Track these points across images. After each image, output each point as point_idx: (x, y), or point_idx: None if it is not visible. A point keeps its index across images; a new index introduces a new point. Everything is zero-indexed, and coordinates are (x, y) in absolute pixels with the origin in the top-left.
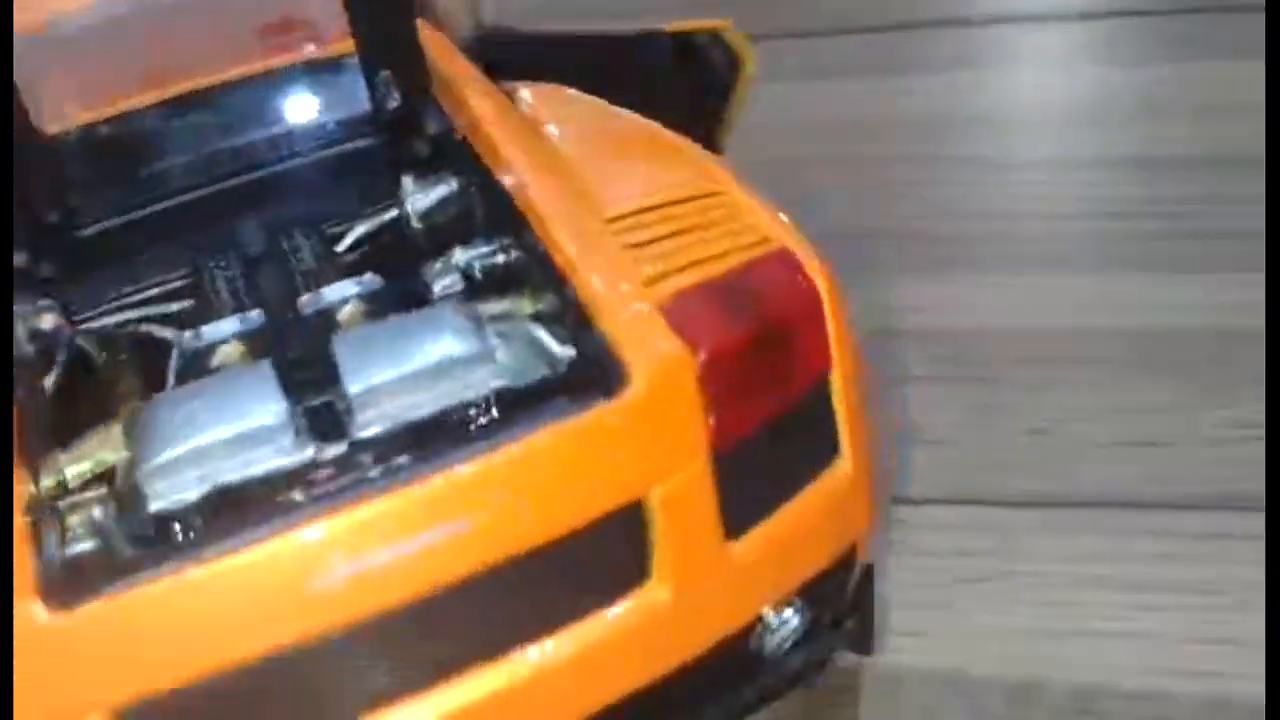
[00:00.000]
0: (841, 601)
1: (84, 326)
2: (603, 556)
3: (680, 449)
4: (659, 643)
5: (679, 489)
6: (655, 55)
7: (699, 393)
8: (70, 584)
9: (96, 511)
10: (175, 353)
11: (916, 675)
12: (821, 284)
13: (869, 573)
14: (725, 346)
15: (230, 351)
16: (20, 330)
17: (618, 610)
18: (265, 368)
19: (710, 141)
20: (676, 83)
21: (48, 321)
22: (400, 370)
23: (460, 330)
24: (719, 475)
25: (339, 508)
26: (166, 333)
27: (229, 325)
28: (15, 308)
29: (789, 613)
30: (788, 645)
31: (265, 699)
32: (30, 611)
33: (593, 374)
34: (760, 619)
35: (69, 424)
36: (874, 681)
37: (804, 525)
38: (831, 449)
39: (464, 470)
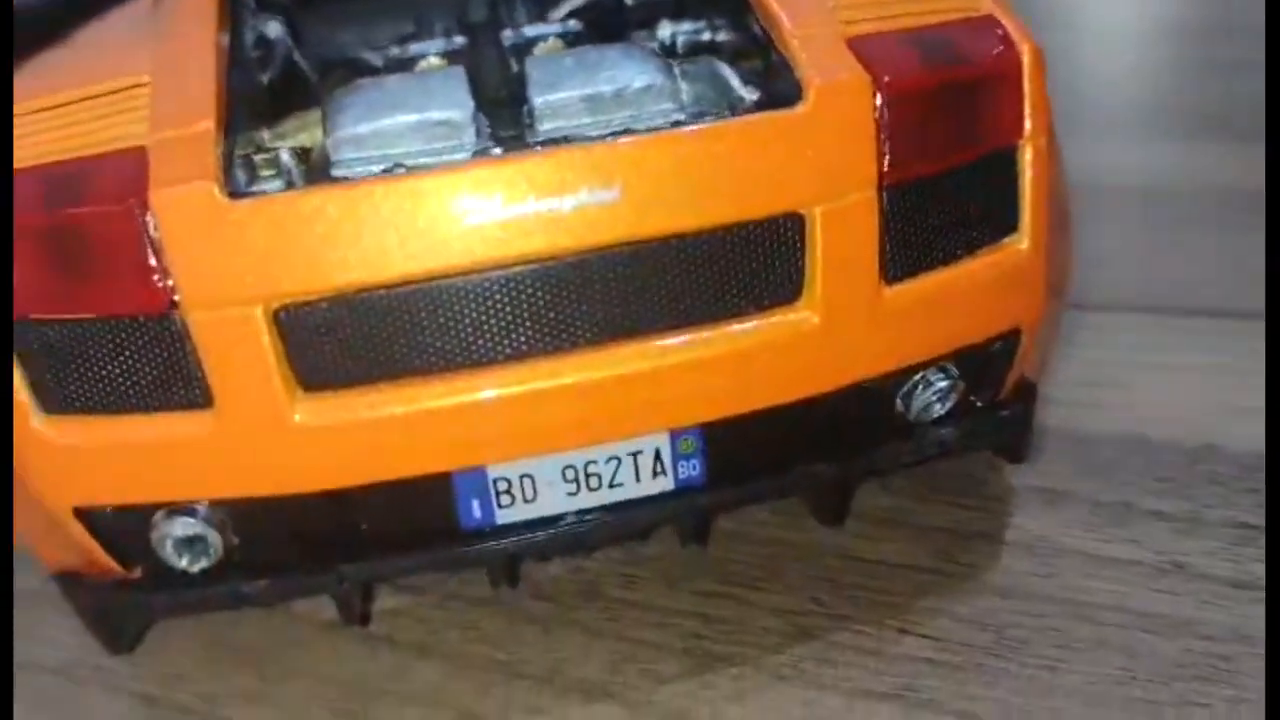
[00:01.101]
0: (998, 385)
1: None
2: (757, 266)
3: (847, 173)
4: (801, 366)
5: (841, 213)
6: None
7: (874, 122)
8: (249, 186)
9: (285, 156)
10: (381, 66)
11: (1097, 437)
12: (1026, 56)
13: (1032, 389)
14: (909, 83)
15: (431, 63)
16: (249, 36)
17: (764, 323)
18: (458, 71)
19: None
20: None
21: (273, 30)
22: (584, 91)
23: (647, 62)
24: (885, 213)
25: (500, 159)
26: (377, 59)
27: (434, 45)
28: (249, 21)
29: (938, 376)
30: (936, 412)
31: (410, 326)
32: (211, 191)
33: (768, 89)
34: (908, 375)
35: (276, 115)
36: (1056, 440)
37: (967, 291)
38: (1010, 223)
39: (620, 141)
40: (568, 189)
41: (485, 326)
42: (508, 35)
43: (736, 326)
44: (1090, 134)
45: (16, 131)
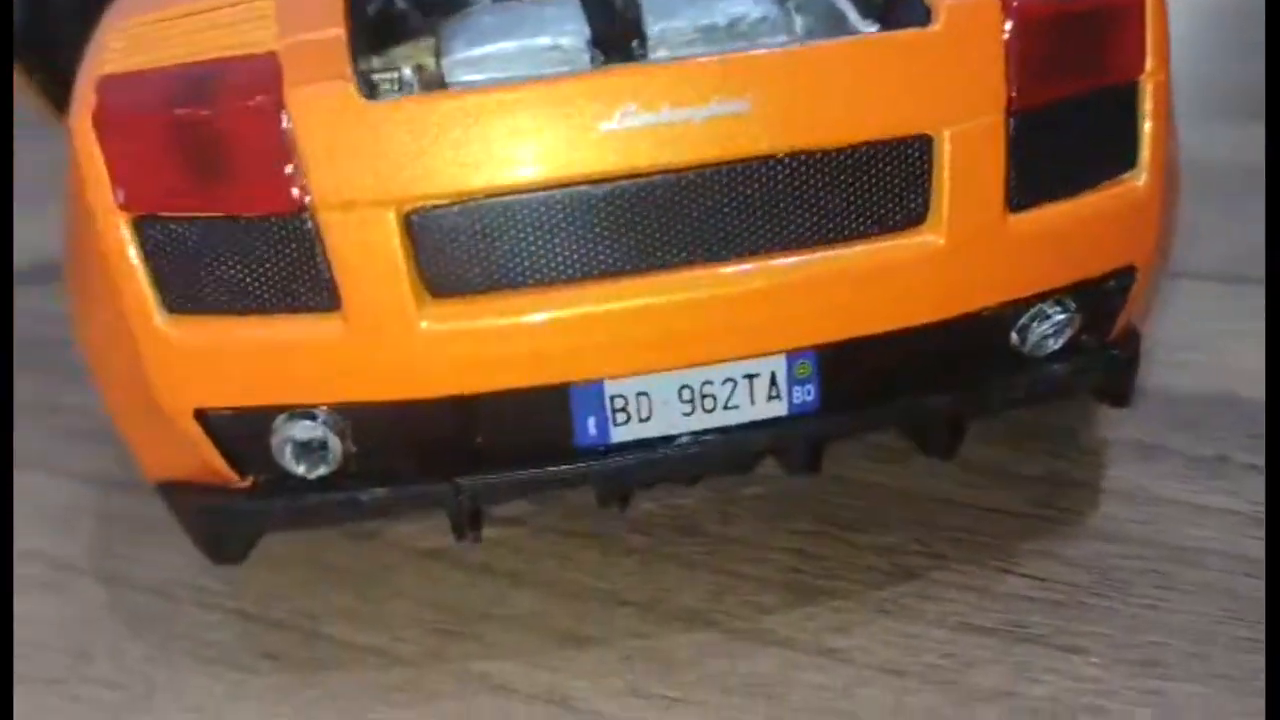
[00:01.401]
0: (1110, 324)
1: None
2: (884, 188)
3: (976, 95)
4: (924, 291)
5: (970, 136)
6: None
7: (1004, 46)
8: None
9: (406, 72)
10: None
11: (1186, 395)
12: None
13: (1137, 335)
14: (1037, 9)
15: None
16: None
17: (889, 245)
18: (573, 1)
19: None
20: None
21: None
22: (699, 21)
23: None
24: (1012, 139)
25: (635, 67)
26: None
27: None
28: None
29: (1056, 309)
30: (1050, 348)
31: (538, 233)
32: (348, 90)
33: (889, 21)
34: (1027, 306)
35: (382, 47)
36: (1145, 398)
37: (1087, 224)
38: (1130, 158)
39: (749, 55)
40: (699, 99)
41: (612, 237)
42: None
43: (861, 248)
44: None
45: (136, 41)
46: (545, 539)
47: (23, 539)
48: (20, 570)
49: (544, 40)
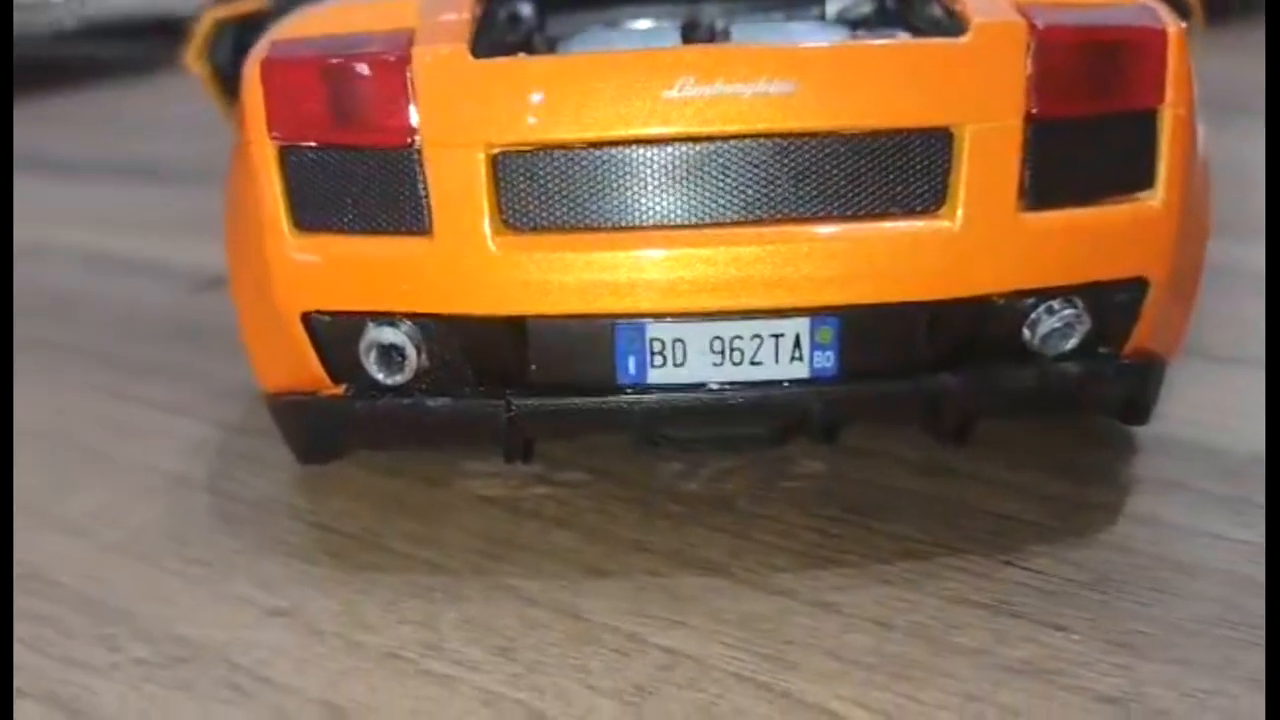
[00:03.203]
0: (1123, 336)
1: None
2: (908, 172)
3: (996, 101)
4: (938, 269)
5: (988, 136)
6: None
7: (1025, 62)
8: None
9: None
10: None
11: (1228, 450)
12: (1171, 35)
13: (1162, 362)
14: (1058, 34)
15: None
16: (502, 13)
17: (908, 224)
18: (672, 27)
19: None
20: None
21: (524, 10)
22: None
23: (835, 29)
24: (1028, 144)
25: (693, 49)
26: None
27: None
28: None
29: (1064, 305)
30: (1061, 346)
31: (598, 182)
32: (462, 50)
33: (940, 27)
34: (1037, 300)
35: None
36: (1185, 448)
37: (1099, 230)
38: (1147, 179)
39: (800, 45)
40: (750, 77)
41: (663, 191)
42: (715, 13)
43: (884, 224)
44: None
45: (304, 23)
46: (595, 499)
47: (150, 458)
48: (140, 480)
49: (644, 44)
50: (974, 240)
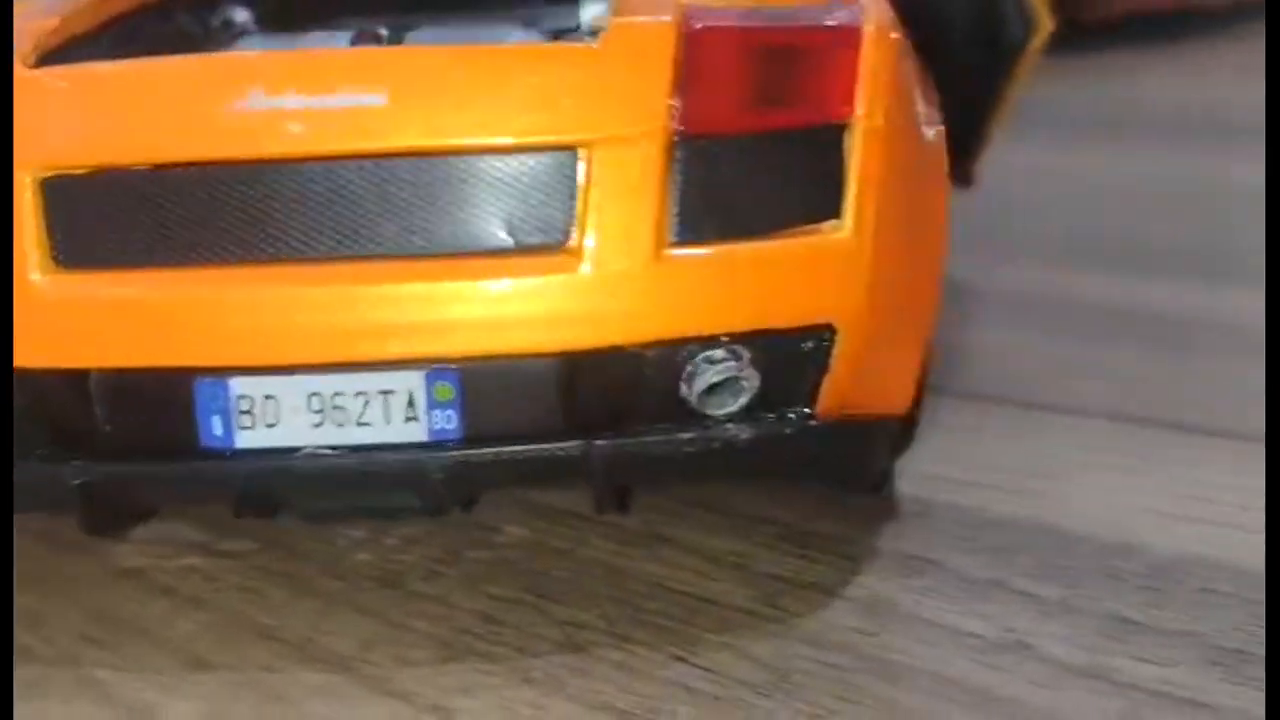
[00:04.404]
0: (810, 393)
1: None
2: (525, 200)
3: (633, 118)
4: (563, 315)
5: (623, 158)
6: None
7: (672, 67)
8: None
9: None
10: None
11: (1009, 521)
12: (866, 36)
13: (885, 423)
14: (714, 37)
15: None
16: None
17: (527, 261)
18: (341, 34)
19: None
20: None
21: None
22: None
23: (513, 31)
24: (677, 166)
25: (269, 52)
26: None
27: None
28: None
29: (725, 357)
30: (729, 406)
31: (162, 212)
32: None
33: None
34: (690, 349)
35: None
36: (961, 518)
37: (766, 269)
38: (830, 207)
39: (390, 49)
40: (331, 88)
41: (237, 224)
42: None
43: (498, 261)
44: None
45: None
46: (246, 574)
47: None
48: None
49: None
50: (605, 282)
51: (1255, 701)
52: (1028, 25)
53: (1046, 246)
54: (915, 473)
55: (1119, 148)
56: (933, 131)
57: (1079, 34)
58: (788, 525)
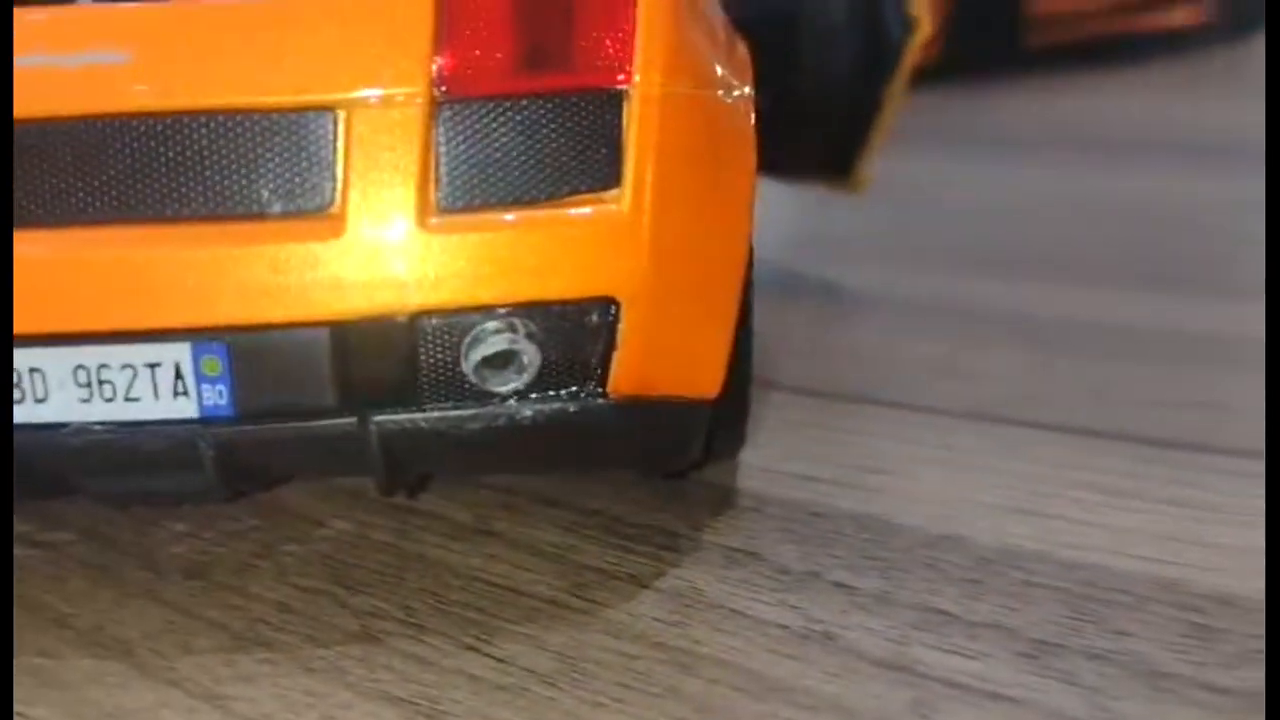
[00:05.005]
0: (599, 370)
1: None
2: (283, 162)
3: (392, 72)
4: (324, 283)
5: (381, 117)
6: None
7: (433, 27)
8: None
9: None
10: None
11: (838, 514)
12: None
13: (686, 406)
14: None
15: None
16: None
17: (283, 226)
18: None
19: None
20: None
21: None
22: None
23: None
24: (439, 128)
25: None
26: None
27: None
28: None
29: (500, 327)
30: (512, 382)
31: None
32: None
33: None
34: (463, 320)
35: None
36: (790, 512)
37: (540, 239)
38: (609, 176)
39: (134, 5)
40: (75, 45)
41: None
42: None
43: (254, 225)
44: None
45: None
46: (60, 563)
47: None
48: None
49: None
50: (370, 248)
51: (1058, 693)
52: (907, 26)
53: (958, 256)
54: (757, 468)
55: (1059, 163)
56: (735, 103)
57: (1029, 59)
58: (618, 519)
